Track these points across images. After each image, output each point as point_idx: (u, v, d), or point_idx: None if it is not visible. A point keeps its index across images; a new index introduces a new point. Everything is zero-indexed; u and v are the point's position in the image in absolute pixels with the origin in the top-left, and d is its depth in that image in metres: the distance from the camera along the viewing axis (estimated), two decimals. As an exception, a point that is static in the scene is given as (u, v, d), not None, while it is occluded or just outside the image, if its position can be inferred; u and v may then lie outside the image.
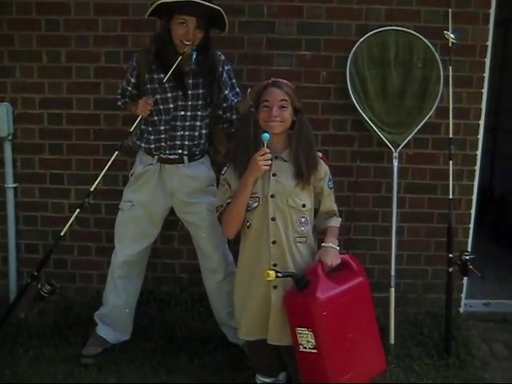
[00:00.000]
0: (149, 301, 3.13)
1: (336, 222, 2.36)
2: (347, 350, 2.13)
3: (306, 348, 2.12)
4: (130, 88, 2.63)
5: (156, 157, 2.60)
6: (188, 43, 2.43)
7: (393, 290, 2.88)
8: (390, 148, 2.94)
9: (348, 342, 2.13)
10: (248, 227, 2.28)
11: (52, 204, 3.17)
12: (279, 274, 2.11)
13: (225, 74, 2.61)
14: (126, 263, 2.71)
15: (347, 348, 2.13)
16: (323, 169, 2.30)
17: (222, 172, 2.36)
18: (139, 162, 2.66)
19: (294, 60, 2.98)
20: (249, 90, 2.44)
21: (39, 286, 2.64)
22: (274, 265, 2.21)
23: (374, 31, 2.89)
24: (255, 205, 2.24)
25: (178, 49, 2.46)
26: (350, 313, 2.15)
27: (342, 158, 3.07)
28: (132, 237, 2.67)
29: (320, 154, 2.31)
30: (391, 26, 2.90)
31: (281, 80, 2.28)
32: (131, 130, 2.52)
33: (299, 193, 2.25)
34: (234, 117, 2.63)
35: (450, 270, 2.81)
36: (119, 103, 2.71)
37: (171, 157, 2.59)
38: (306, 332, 2.10)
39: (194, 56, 2.45)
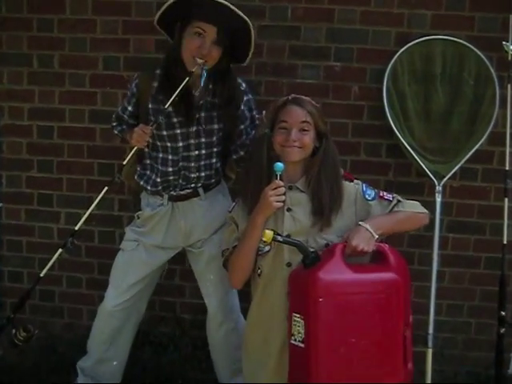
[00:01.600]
0: (143, 344, 2.79)
1: (400, 206, 1.94)
2: (343, 359, 1.69)
3: (295, 340, 1.74)
4: (125, 116, 2.24)
5: (166, 196, 2.23)
6: (200, 61, 2.00)
7: (430, 350, 2.45)
8: (432, 179, 2.53)
9: (345, 348, 1.69)
10: (259, 275, 1.93)
11: (39, 228, 2.88)
12: (279, 238, 1.77)
13: (242, 106, 2.21)
14: (121, 311, 2.32)
15: (343, 355, 1.69)
16: (351, 190, 1.93)
17: (229, 209, 2.03)
18: (146, 204, 2.28)
19: (322, 72, 2.64)
20: (264, 112, 2.06)
21: (13, 331, 2.28)
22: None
23: (417, 40, 2.53)
24: (267, 248, 1.91)
25: (186, 67, 2.04)
26: (362, 313, 1.73)
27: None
28: (132, 283, 2.29)
29: (342, 172, 1.96)
30: (438, 34, 2.54)
31: (303, 97, 1.95)
32: (124, 162, 2.12)
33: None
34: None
35: (502, 331, 2.37)
36: (115, 131, 2.33)
37: (184, 193, 2.23)
38: (299, 319, 1.73)
39: (204, 77, 2.00)
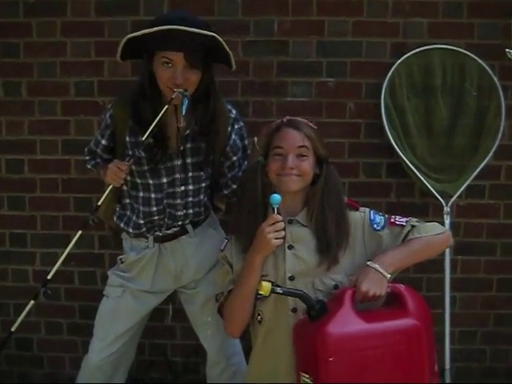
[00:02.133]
0: (133, 392, 2.57)
1: (415, 231, 1.70)
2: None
3: None
4: (99, 151, 2.01)
5: (151, 237, 2.01)
6: (177, 90, 1.78)
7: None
8: (438, 200, 2.36)
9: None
10: (259, 322, 1.73)
11: (13, 271, 2.66)
12: (278, 290, 1.57)
13: (234, 136, 2.00)
14: (109, 364, 2.07)
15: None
16: (357, 220, 1.74)
17: (222, 247, 1.83)
18: (129, 248, 2.06)
19: (314, 89, 2.49)
20: (255, 139, 1.89)
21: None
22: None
23: (414, 51, 2.39)
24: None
25: (164, 97, 1.84)
26: (380, 369, 1.50)
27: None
28: (120, 333, 2.05)
29: (345, 199, 1.78)
30: (436, 43, 2.40)
31: (298, 119, 1.78)
32: (99, 203, 1.90)
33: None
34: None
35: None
36: (88, 165, 2.10)
37: (171, 232, 2.02)
38: (308, 380, 1.52)
39: (185, 105, 1.78)
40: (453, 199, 2.35)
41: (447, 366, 2.30)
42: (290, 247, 1.70)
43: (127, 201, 2.02)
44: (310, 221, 1.71)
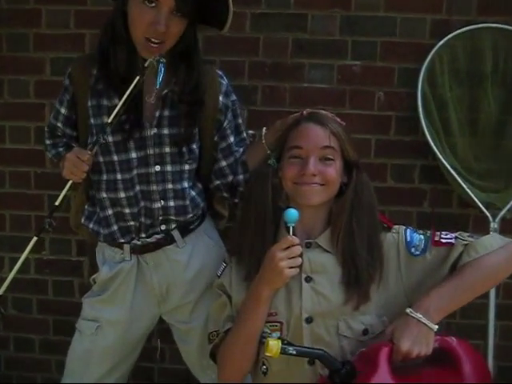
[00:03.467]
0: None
1: (471, 251, 1.35)
2: None
3: None
4: (59, 125, 1.68)
5: (127, 246, 1.66)
6: (157, 41, 1.48)
7: None
8: (482, 211, 2.05)
9: None
10: (264, 373, 1.43)
11: None
12: (291, 350, 1.24)
13: (225, 111, 1.67)
14: None
15: None
16: (390, 243, 1.43)
17: (218, 273, 1.52)
18: (101, 261, 1.73)
19: (336, 73, 2.24)
20: (264, 129, 1.65)
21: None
22: None
23: (460, 30, 2.12)
24: (276, 335, 1.39)
25: (138, 55, 1.53)
26: None
27: (405, 222, 2.17)
28: (97, 376, 1.73)
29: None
30: (487, 22, 2.12)
31: (322, 112, 1.52)
32: (56, 203, 1.54)
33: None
34: (241, 177, 1.71)
35: None
36: (48, 154, 1.78)
37: (152, 240, 1.66)
38: None
39: (160, 75, 1.47)
40: (502, 213, 2.02)
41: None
42: (308, 279, 1.39)
43: (93, 193, 1.68)
44: (334, 245, 1.41)
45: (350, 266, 1.37)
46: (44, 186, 2.32)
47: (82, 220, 1.71)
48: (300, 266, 1.34)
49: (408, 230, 1.43)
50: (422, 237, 1.41)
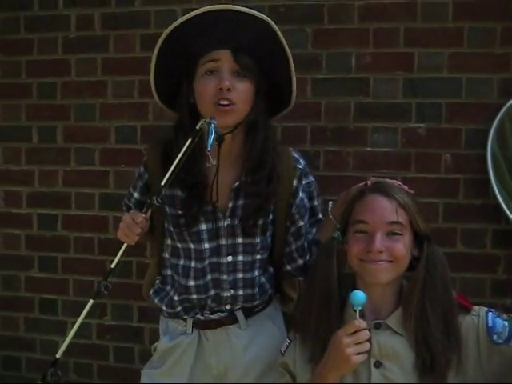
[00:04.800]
0: None
1: None
2: None
3: None
4: (132, 206, 1.71)
5: (190, 320, 1.64)
6: (226, 103, 1.45)
7: None
8: None
9: None
10: None
11: (41, 342, 2.43)
12: None
13: (301, 194, 1.62)
14: None
15: None
16: (469, 326, 1.31)
17: (282, 349, 1.45)
18: (164, 329, 1.71)
19: (400, 136, 2.15)
20: (330, 203, 1.57)
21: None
22: None
23: None
24: None
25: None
26: None
27: (477, 292, 2.10)
28: None
29: (454, 293, 1.36)
30: None
31: (389, 181, 1.45)
32: (112, 265, 1.53)
33: None
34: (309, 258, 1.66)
35: None
36: None
37: (215, 317, 1.63)
38: None
39: (212, 137, 1.42)
40: None
41: None
42: (378, 364, 1.29)
43: (168, 272, 1.66)
44: (406, 326, 1.30)
45: (424, 351, 1.26)
46: (107, 252, 2.30)
47: (151, 292, 1.70)
48: (369, 350, 1.24)
49: (490, 314, 1.31)
50: (506, 323, 1.29)
